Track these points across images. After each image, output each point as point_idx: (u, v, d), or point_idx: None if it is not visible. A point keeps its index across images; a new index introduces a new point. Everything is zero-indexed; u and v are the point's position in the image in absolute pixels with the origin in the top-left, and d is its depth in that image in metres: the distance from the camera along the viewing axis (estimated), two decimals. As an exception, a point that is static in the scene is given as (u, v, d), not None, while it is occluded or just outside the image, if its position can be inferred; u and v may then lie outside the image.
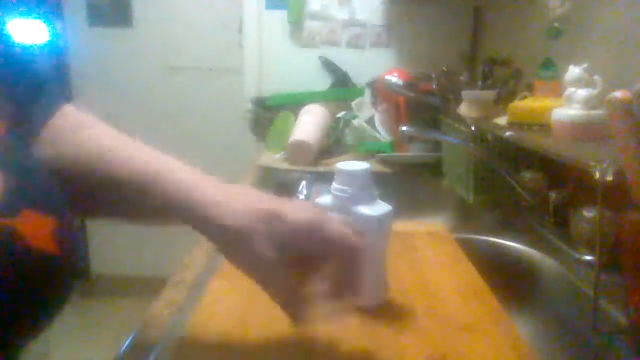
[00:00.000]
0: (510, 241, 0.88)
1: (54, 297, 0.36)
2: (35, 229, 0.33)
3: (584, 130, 0.73)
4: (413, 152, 1.40)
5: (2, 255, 0.31)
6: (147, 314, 0.59)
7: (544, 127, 0.82)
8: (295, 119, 1.54)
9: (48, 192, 0.37)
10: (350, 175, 0.54)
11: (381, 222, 0.53)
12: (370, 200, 0.54)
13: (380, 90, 1.57)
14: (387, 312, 0.55)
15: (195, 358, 0.47)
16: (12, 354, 0.35)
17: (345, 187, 0.53)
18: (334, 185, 0.55)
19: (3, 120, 0.38)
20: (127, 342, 0.53)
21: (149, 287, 1.17)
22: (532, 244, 0.85)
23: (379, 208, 0.54)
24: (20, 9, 2.43)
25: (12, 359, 0.35)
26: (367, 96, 1.65)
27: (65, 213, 0.37)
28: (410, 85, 1.42)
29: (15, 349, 0.35)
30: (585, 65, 0.75)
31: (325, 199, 0.56)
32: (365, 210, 0.53)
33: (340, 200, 0.54)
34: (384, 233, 0.55)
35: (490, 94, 1.09)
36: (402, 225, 0.73)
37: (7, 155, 0.36)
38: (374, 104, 1.62)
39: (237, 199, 0.43)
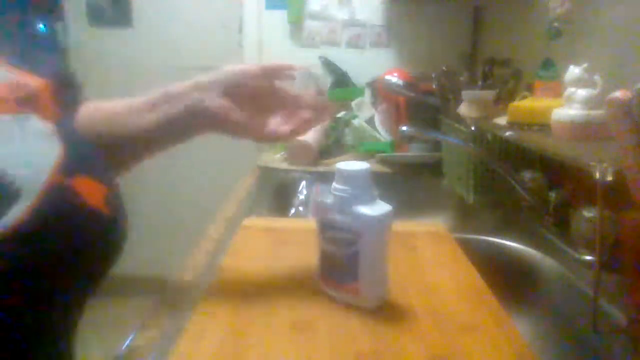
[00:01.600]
0: (510, 241, 0.88)
1: (106, 255, 0.39)
2: (90, 191, 0.36)
3: (584, 130, 0.73)
4: (413, 152, 1.40)
5: (62, 208, 0.34)
6: (147, 314, 0.59)
7: (544, 127, 0.82)
8: (295, 119, 1.53)
9: (97, 162, 0.41)
10: (350, 175, 0.54)
11: (381, 222, 0.53)
12: (370, 200, 0.54)
13: (380, 90, 1.57)
14: (387, 312, 0.55)
15: (195, 358, 0.47)
16: (73, 310, 0.39)
17: (345, 187, 0.53)
18: (334, 185, 0.55)
19: (60, 108, 0.42)
20: (127, 342, 0.53)
21: (149, 287, 1.17)
22: (532, 244, 0.85)
23: (379, 208, 0.54)
24: (20, 9, 2.43)
25: (72, 320, 0.40)
26: (367, 96, 1.65)
27: (112, 181, 0.41)
28: (410, 85, 1.42)
29: (75, 303, 0.39)
30: (585, 65, 0.75)
31: (325, 199, 0.56)
32: (365, 210, 0.53)
33: (340, 200, 0.54)
34: (384, 233, 0.55)
35: (490, 94, 1.09)
36: (402, 225, 0.73)
37: (64, 133, 0.39)
38: (374, 104, 1.62)
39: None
